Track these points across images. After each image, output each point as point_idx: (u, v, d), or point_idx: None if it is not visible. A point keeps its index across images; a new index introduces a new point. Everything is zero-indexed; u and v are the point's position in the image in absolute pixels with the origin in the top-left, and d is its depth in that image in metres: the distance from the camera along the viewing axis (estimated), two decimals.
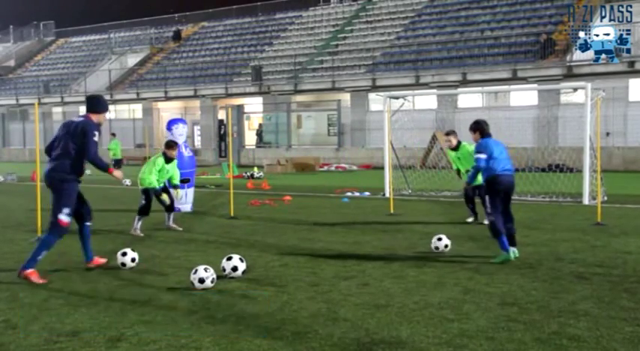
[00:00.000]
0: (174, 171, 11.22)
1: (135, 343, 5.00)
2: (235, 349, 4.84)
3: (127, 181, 21.19)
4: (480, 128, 8.56)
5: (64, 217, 7.36)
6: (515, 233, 8.20)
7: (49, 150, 7.71)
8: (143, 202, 10.67)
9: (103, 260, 7.99)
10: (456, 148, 11.71)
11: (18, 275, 7.17)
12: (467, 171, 10.97)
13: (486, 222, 9.04)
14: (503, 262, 7.82)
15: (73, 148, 7.39)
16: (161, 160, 10.98)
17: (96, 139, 7.46)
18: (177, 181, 11.28)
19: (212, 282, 6.67)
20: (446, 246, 8.54)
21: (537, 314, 5.60)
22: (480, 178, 9.48)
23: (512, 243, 8.12)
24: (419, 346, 4.85)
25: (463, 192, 11.49)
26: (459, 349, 4.77)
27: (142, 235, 10.36)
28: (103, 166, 7.62)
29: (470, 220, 11.58)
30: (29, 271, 7.15)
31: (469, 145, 11.38)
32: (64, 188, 7.41)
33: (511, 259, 7.93)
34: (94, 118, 7.67)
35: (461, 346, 4.82)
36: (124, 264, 7.74)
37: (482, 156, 8.21)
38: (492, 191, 8.12)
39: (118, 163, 24.90)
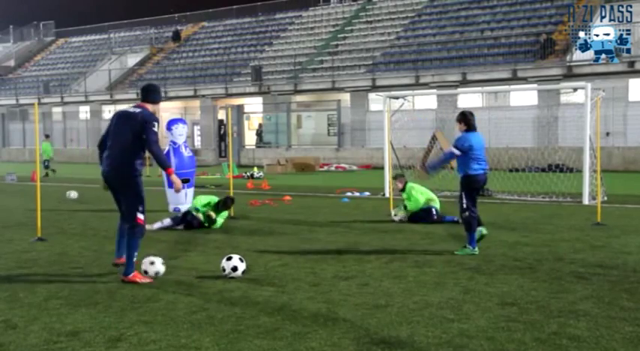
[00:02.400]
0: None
1: (135, 343, 5.00)
2: (235, 349, 4.84)
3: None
4: (465, 120, 8.60)
5: (140, 216, 7.02)
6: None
7: (102, 145, 7.29)
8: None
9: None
10: (402, 190, 12.08)
11: (122, 281, 6.91)
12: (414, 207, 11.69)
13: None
14: (465, 256, 8.22)
15: (134, 140, 6.95)
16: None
17: (156, 129, 6.98)
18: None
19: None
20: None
21: (537, 314, 5.60)
22: (418, 205, 11.39)
23: (480, 223, 8.53)
24: (419, 346, 4.85)
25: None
26: (459, 349, 4.77)
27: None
28: (163, 161, 7.16)
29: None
30: (132, 275, 6.95)
31: (413, 184, 12.11)
32: (133, 184, 7.02)
33: (476, 254, 8.28)
34: (150, 108, 7.26)
35: (461, 346, 4.82)
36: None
37: (456, 151, 8.40)
38: (470, 189, 8.45)
39: (46, 163, 27.07)
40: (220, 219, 11.21)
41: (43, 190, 14.50)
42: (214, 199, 11.31)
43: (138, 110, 7.18)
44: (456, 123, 8.74)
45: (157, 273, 7.18)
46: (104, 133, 7.38)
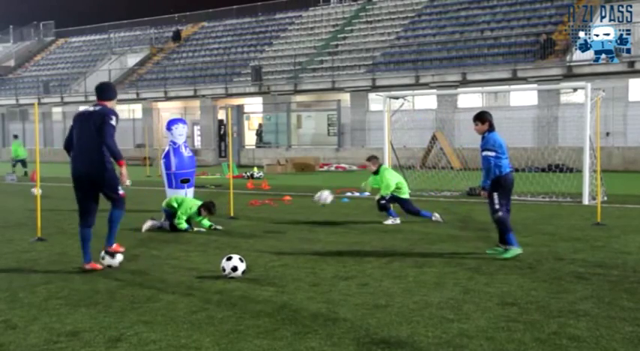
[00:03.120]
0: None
1: (135, 343, 4.99)
2: (235, 349, 4.84)
3: (128, 182, 21.19)
4: (489, 120, 8.33)
5: (121, 191, 7.62)
6: None
7: (68, 146, 7.61)
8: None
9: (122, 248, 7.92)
10: (376, 173, 12.05)
11: (105, 252, 7.69)
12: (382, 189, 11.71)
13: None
14: (514, 258, 7.93)
15: (97, 136, 7.30)
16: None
17: (113, 123, 7.33)
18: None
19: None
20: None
21: (537, 314, 5.60)
22: (389, 188, 11.27)
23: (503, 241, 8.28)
24: (419, 346, 4.85)
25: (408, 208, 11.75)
26: (458, 349, 4.77)
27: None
28: (116, 153, 7.38)
29: (391, 221, 11.66)
30: (114, 246, 7.66)
31: (387, 167, 12.09)
32: (108, 177, 7.47)
33: (521, 252, 8.05)
34: (108, 104, 7.63)
35: (461, 346, 4.82)
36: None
37: (493, 154, 8.10)
38: (502, 189, 8.17)
39: (22, 163, 27.61)
40: (206, 222, 10.95)
41: (44, 190, 14.49)
42: (197, 203, 11.06)
43: (97, 108, 7.56)
44: (476, 123, 8.37)
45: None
46: (68, 135, 7.70)
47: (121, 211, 7.65)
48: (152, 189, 18.80)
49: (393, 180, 11.71)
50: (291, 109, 37.41)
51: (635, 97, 28.00)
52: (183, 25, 51.34)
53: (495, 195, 8.15)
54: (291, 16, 45.84)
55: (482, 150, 8.24)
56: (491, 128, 8.33)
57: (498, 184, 8.16)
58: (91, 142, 7.35)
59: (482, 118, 8.38)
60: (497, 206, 8.12)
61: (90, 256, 7.68)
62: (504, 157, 8.21)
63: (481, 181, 8.30)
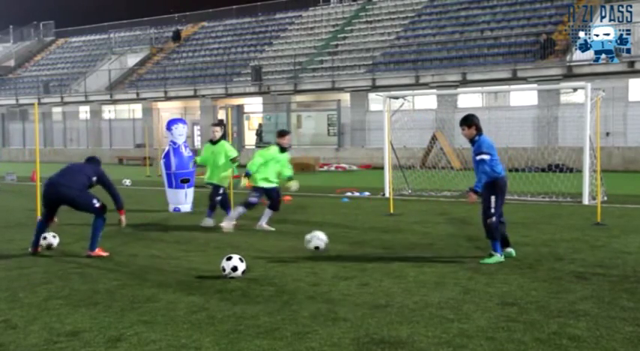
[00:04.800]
0: (285, 162, 10.86)
1: (135, 343, 5.00)
2: (235, 349, 4.84)
3: (127, 182, 21.21)
4: (476, 123, 8.04)
5: (97, 203, 8.53)
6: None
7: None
8: (254, 199, 10.72)
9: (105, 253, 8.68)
10: (216, 142, 11.55)
11: (87, 256, 8.45)
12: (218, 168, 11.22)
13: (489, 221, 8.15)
14: (494, 263, 7.72)
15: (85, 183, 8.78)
16: (275, 148, 10.71)
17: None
18: (289, 173, 10.96)
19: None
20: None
21: (537, 314, 5.60)
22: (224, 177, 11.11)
23: (508, 244, 8.12)
24: (419, 346, 4.85)
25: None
26: (459, 349, 4.77)
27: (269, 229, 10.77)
28: (121, 203, 8.91)
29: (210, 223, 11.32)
30: (97, 250, 8.52)
31: (228, 144, 11.57)
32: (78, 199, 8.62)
33: (503, 261, 7.82)
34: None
35: (461, 346, 4.82)
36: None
37: (488, 158, 7.87)
38: (500, 191, 7.95)
39: None
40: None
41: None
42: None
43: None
44: (462, 128, 8.12)
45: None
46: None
47: (101, 219, 8.56)
48: (152, 189, 18.80)
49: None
50: (291, 109, 37.40)
51: (635, 97, 27.99)
52: (183, 25, 51.32)
53: (493, 198, 7.88)
54: (291, 16, 45.83)
55: (477, 154, 7.95)
56: (479, 131, 8.08)
57: (497, 186, 7.91)
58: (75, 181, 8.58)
59: (468, 122, 8.10)
60: (492, 210, 7.84)
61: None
62: (497, 159, 7.99)
63: (475, 184, 7.95)
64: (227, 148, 11.47)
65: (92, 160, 9.15)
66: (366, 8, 42.76)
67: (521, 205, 13.97)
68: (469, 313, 5.64)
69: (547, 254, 8.33)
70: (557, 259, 8.04)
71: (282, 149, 10.81)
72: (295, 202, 15.20)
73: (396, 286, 6.67)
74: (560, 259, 8.03)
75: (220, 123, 11.98)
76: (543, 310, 5.71)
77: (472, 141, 8.12)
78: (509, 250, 8.11)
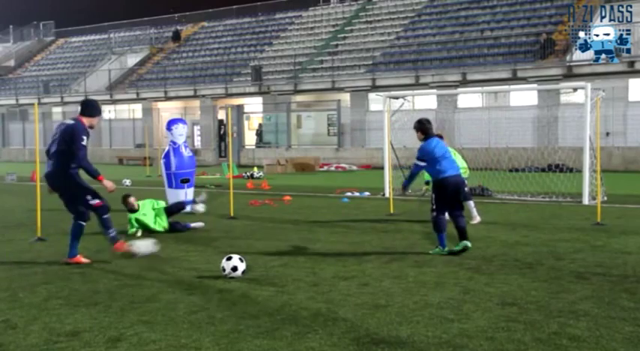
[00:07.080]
0: None
1: (135, 343, 5.00)
2: (235, 349, 4.84)
3: (128, 181, 21.22)
4: (422, 128, 8.75)
5: (94, 201, 7.87)
6: (465, 226, 8.55)
7: (48, 152, 7.93)
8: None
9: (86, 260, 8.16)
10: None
11: (113, 250, 8.20)
12: None
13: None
14: (435, 255, 8.31)
15: (64, 149, 7.69)
16: None
17: (84, 143, 7.69)
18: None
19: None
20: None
21: (537, 314, 5.60)
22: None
23: (464, 237, 8.44)
24: (419, 346, 4.85)
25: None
26: (458, 349, 4.77)
27: None
28: (92, 172, 7.79)
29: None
30: (119, 244, 8.19)
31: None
32: (72, 186, 7.79)
33: (444, 254, 8.29)
34: (86, 121, 7.92)
35: (461, 346, 4.82)
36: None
37: (420, 163, 8.62)
38: (440, 193, 8.55)
39: None
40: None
41: (43, 190, 14.46)
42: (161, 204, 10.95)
43: (71, 122, 7.92)
44: (416, 132, 8.86)
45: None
46: (50, 141, 8.01)
47: (102, 218, 7.97)
48: (152, 189, 18.79)
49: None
50: (291, 109, 37.39)
51: (635, 97, 27.98)
52: (183, 25, 51.32)
53: (433, 196, 8.60)
54: (291, 16, 45.82)
55: (416, 158, 8.76)
56: (426, 136, 8.70)
57: (436, 186, 8.59)
58: (59, 152, 7.74)
59: (415, 127, 8.85)
60: (433, 206, 8.54)
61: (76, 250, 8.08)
62: (439, 162, 8.53)
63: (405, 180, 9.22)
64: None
65: None
66: (366, 8, 42.75)
67: (522, 205, 13.97)
68: (469, 313, 5.64)
69: (547, 254, 8.33)
70: (557, 259, 8.04)
71: None
72: (295, 202, 15.21)
73: (396, 286, 6.67)
74: (560, 259, 8.03)
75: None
76: (543, 310, 5.71)
77: None
78: (465, 242, 8.41)
